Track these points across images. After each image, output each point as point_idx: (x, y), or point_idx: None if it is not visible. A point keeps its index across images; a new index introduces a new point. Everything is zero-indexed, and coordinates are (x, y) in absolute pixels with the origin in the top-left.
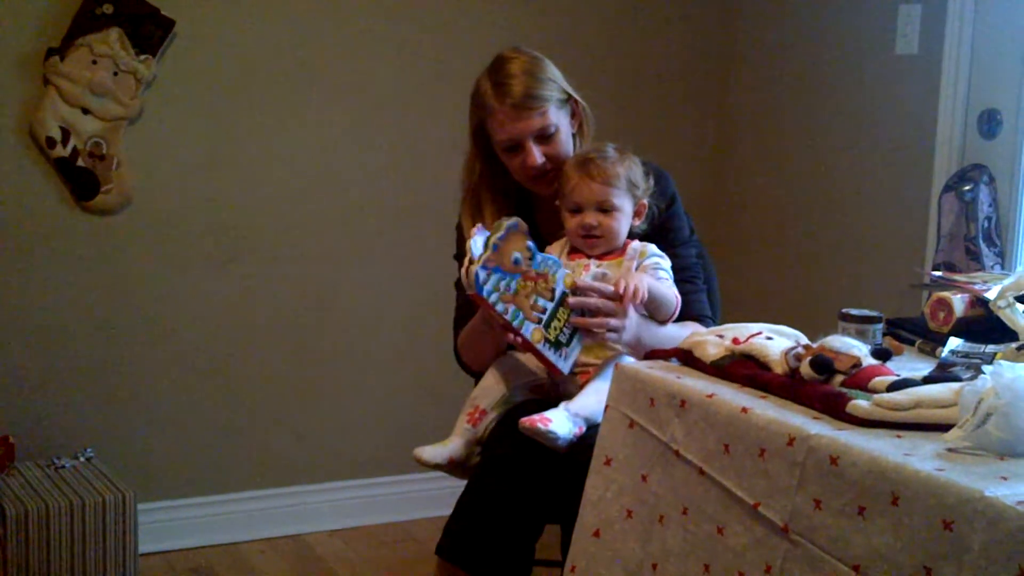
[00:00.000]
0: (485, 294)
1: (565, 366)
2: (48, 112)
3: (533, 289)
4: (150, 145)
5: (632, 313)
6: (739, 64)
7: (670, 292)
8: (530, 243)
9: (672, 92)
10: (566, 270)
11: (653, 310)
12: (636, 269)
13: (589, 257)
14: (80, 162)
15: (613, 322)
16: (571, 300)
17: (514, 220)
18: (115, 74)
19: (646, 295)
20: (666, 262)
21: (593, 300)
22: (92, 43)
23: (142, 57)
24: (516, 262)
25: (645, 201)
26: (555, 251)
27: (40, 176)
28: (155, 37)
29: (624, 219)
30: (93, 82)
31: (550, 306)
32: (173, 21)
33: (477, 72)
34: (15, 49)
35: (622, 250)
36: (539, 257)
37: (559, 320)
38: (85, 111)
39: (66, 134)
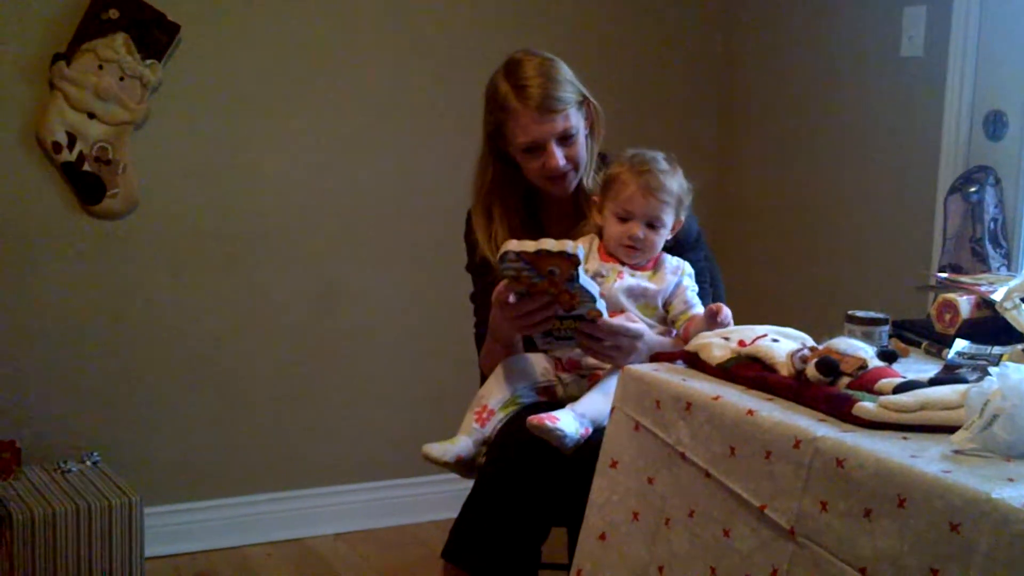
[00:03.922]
0: (502, 266)
1: (542, 345)
2: (54, 117)
3: (554, 298)
4: (156, 149)
5: (642, 347)
6: (743, 66)
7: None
8: (576, 272)
9: (676, 94)
10: (599, 307)
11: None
12: (677, 287)
13: (623, 264)
14: (86, 167)
15: (616, 355)
16: (585, 325)
17: (574, 251)
18: (121, 79)
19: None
20: (695, 284)
21: (608, 343)
22: (98, 48)
23: (148, 62)
24: (551, 272)
25: (682, 218)
26: (586, 244)
27: (46, 181)
28: (161, 42)
29: (666, 235)
30: (99, 87)
31: (561, 312)
32: (178, 26)
33: (480, 76)
34: (21, 54)
35: (654, 261)
36: (579, 283)
37: (562, 323)
38: (91, 116)
39: (72, 139)
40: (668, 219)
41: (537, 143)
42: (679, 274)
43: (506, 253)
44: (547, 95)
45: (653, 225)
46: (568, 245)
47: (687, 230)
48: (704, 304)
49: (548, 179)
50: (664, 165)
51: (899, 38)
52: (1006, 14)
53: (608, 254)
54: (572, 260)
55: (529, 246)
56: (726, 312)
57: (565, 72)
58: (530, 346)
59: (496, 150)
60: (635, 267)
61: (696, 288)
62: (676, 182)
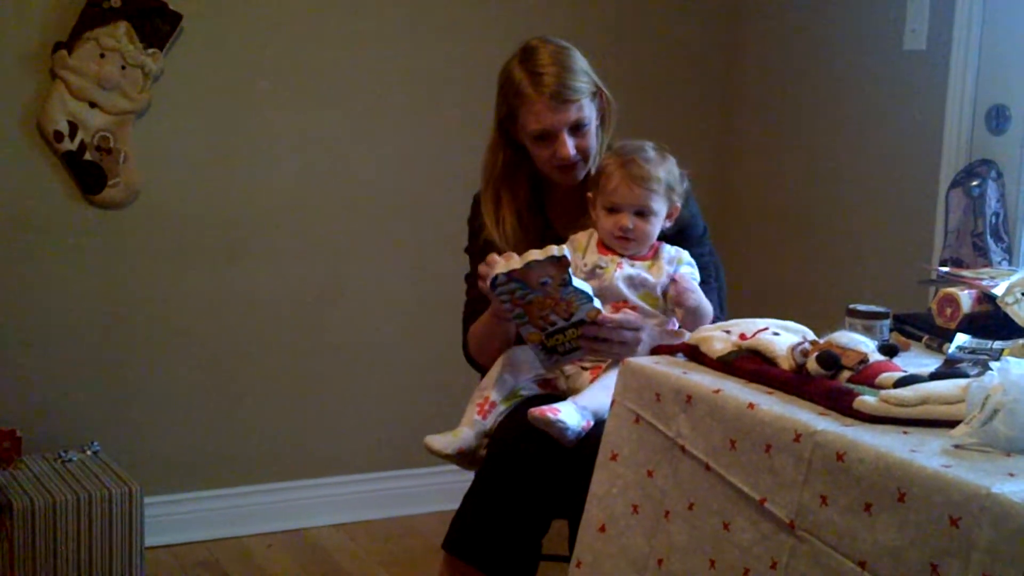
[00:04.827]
0: (496, 292)
1: (548, 365)
2: (56, 106)
3: (551, 309)
4: (157, 139)
5: (645, 338)
6: (745, 60)
7: (710, 309)
8: (568, 275)
9: (677, 87)
10: (596, 306)
11: (690, 323)
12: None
13: (620, 256)
14: (87, 156)
15: (621, 350)
16: (587, 330)
17: (560, 254)
18: (123, 68)
19: (692, 303)
20: (696, 272)
21: (607, 334)
22: (100, 37)
23: (150, 51)
24: (543, 283)
25: (678, 205)
26: (584, 239)
27: (47, 170)
28: (163, 31)
29: (658, 223)
30: (101, 76)
31: (561, 323)
32: (180, 15)
33: (485, 70)
34: (22, 43)
35: (652, 251)
36: (571, 287)
37: (564, 335)
38: (92, 105)
39: (73, 128)
40: (658, 206)
41: (549, 132)
42: (674, 263)
43: (496, 277)
44: (562, 84)
45: (643, 214)
46: (553, 249)
47: (693, 225)
48: (710, 300)
49: (558, 168)
50: (651, 154)
51: (902, 32)
52: (1009, 8)
53: (606, 247)
54: (562, 263)
55: (516, 263)
56: (680, 282)
57: (580, 62)
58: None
59: (507, 136)
60: (634, 257)
61: (696, 276)
62: (664, 170)
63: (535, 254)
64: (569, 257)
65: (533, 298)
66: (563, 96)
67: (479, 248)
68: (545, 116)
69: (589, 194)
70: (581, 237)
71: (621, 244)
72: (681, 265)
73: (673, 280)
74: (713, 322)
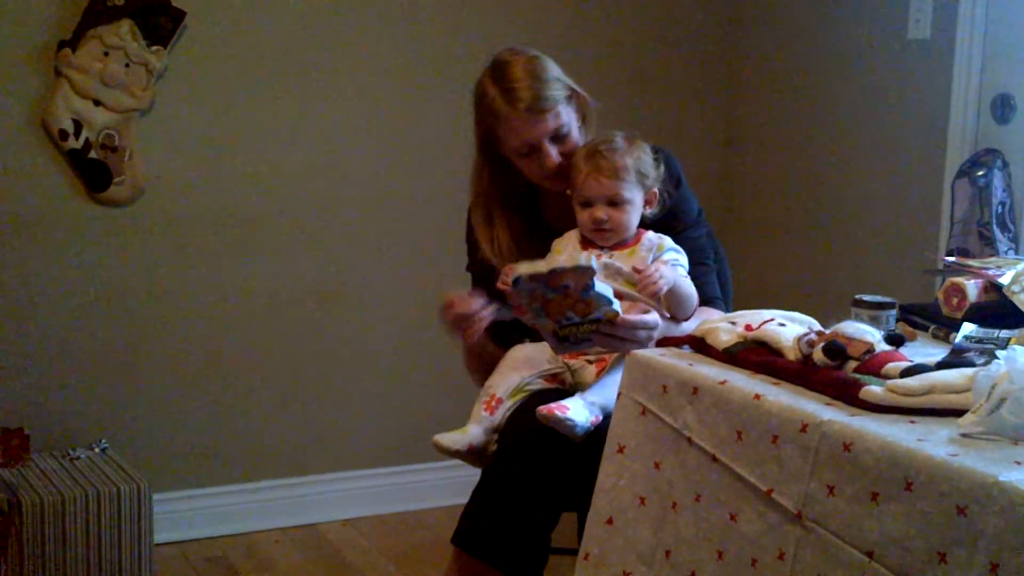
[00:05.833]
0: (517, 290)
1: (559, 351)
2: (60, 104)
3: (570, 307)
4: (162, 136)
5: (656, 335)
6: (749, 49)
7: (693, 291)
8: (591, 282)
9: (680, 80)
10: (615, 308)
11: (675, 308)
12: (652, 262)
13: (601, 249)
14: (92, 154)
15: (633, 346)
16: (603, 327)
17: (587, 264)
18: (127, 65)
19: (664, 290)
20: (683, 258)
21: (623, 334)
22: (103, 35)
23: (153, 48)
24: (565, 287)
25: (656, 189)
26: (565, 242)
27: (52, 168)
28: (166, 28)
29: (634, 211)
30: (105, 74)
31: (577, 319)
32: (184, 12)
33: (484, 64)
34: (26, 41)
35: (635, 239)
36: (593, 292)
37: (578, 328)
38: (97, 103)
39: (78, 126)
40: (630, 194)
41: (530, 144)
42: (654, 250)
43: (518, 279)
44: (536, 96)
45: (615, 203)
46: (581, 259)
47: (688, 209)
48: (708, 281)
49: (547, 178)
50: (618, 143)
51: (906, 20)
52: None
53: (589, 243)
54: (587, 272)
55: (541, 267)
56: (652, 282)
57: (552, 69)
58: (537, 336)
59: (490, 152)
60: (614, 248)
61: (680, 263)
62: (632, 157)
63: (562, 260)
64: (596, 267)
65: (553, 297)
66: (538, 107)
67: (476, 265)
68: (524, 130)
69: (568, 191)
70: (563, 240)
71: (599, 236)
72: (663, 252)
73: (638, 272)
74: (714, 304)
